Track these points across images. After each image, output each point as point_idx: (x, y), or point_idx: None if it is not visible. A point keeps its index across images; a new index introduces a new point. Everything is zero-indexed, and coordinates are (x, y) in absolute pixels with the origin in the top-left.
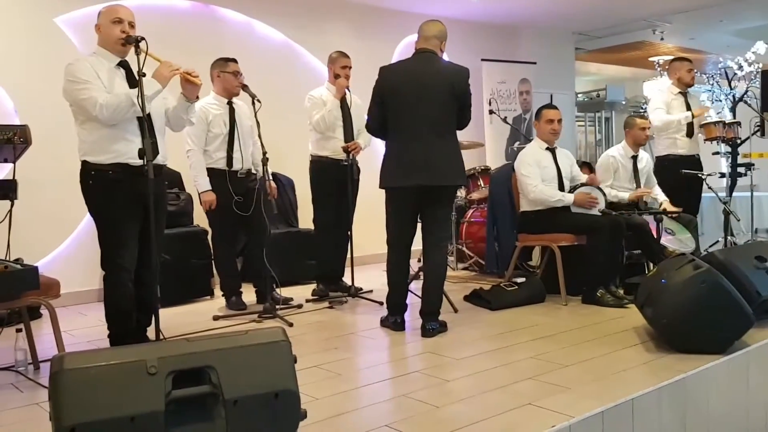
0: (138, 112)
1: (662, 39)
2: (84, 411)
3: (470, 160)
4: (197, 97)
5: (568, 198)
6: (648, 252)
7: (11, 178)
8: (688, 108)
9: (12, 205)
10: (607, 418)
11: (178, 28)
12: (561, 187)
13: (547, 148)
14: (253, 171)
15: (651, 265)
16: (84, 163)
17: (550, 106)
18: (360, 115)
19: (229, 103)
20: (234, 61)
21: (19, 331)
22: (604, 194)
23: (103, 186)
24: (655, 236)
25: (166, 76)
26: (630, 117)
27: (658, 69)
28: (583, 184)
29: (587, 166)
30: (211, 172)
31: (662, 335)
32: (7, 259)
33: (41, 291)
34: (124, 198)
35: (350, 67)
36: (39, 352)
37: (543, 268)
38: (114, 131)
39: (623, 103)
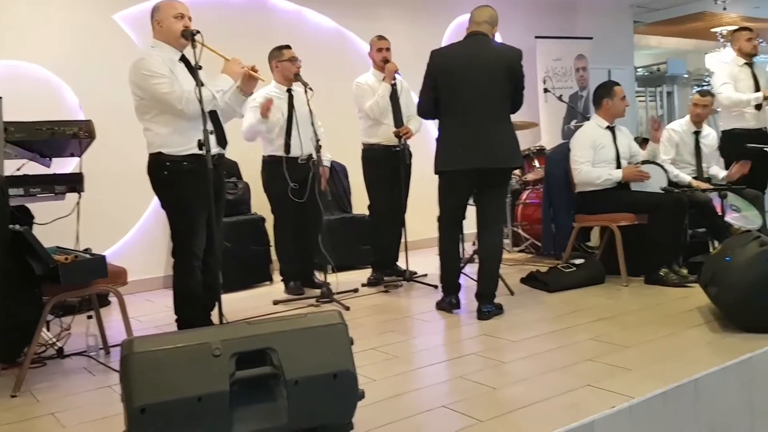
0: (215, 106)
1: (725, 9)
2: (153, 392)
3: (525, 141)
4: (251, 92)
5: (616, 174)
6: (712, 230)
7: (78, 171)
8: (755, 79)
9: (79, 198)
10: (670, 398)
11: (229, 20)
12: (619, 167)
13: (608, 127)
14: (314, 157)
15: (715, 243)
16: (157, 155)
17: (616, 83)
18: (409, 100)
19: (288, 90)
20: (288, 47)
21: (89, 317)
22: (666, 171)
23: (177, 177)
24: (720, 213)
25: (237, 72)
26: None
27: (721, 40)
28: (643, 162)
29: (647, 143)
30: (271, 159)
31: (727, 315)
32: (77, 249)
33: (109, 279)
34: (196, 188)
35: (388, 49)
36: (109, 337)
37: (602, 248)
38: (188, 123)
39: (685, 76)
